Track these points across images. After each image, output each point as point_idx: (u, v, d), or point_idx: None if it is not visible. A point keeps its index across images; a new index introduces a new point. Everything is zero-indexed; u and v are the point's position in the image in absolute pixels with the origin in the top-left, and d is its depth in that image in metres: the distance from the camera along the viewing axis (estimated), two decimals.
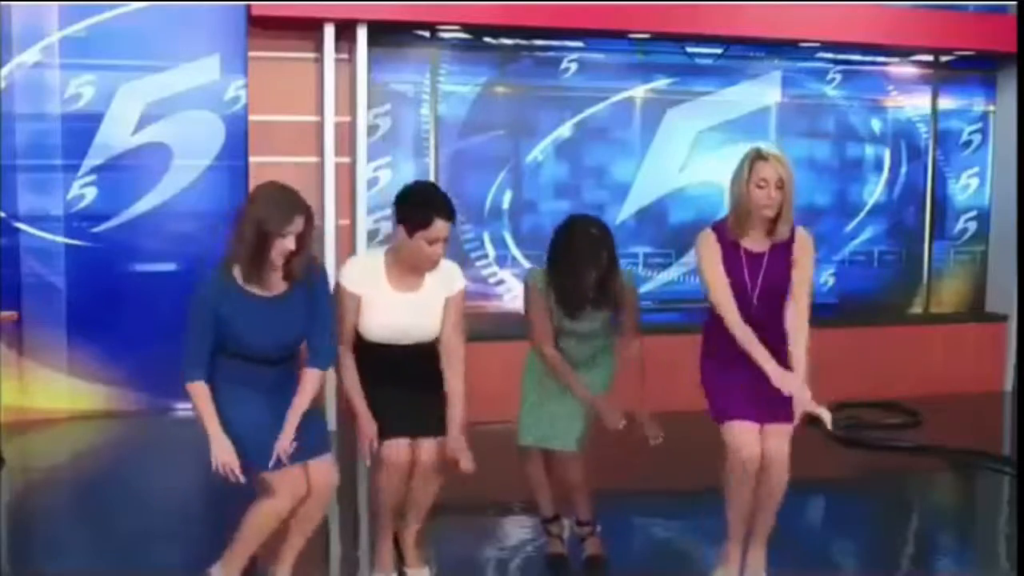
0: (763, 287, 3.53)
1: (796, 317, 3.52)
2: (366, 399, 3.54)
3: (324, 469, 3.39)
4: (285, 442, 3.27)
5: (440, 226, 3.39)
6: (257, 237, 3.17)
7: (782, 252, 3.55)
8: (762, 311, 3.53)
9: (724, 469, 3.58)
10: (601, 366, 3.90)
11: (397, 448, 3.52)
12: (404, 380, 3.57)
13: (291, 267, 3.26)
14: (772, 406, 3.50)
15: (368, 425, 3.50)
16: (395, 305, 3.51)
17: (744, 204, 3.49)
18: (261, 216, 3.18)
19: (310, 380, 3.36)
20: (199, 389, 3.26)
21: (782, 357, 3.49)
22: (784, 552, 3.80)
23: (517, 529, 4.56)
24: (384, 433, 3.52)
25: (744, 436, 3.51)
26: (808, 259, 3.57)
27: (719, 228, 3.59)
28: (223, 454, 3.24)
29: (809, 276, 3.58)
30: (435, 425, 3.59)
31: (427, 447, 3.58)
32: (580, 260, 3.63)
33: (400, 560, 3.77)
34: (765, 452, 3.52)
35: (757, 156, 3.49)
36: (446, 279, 3.60)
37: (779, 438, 3.54)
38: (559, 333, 3.79)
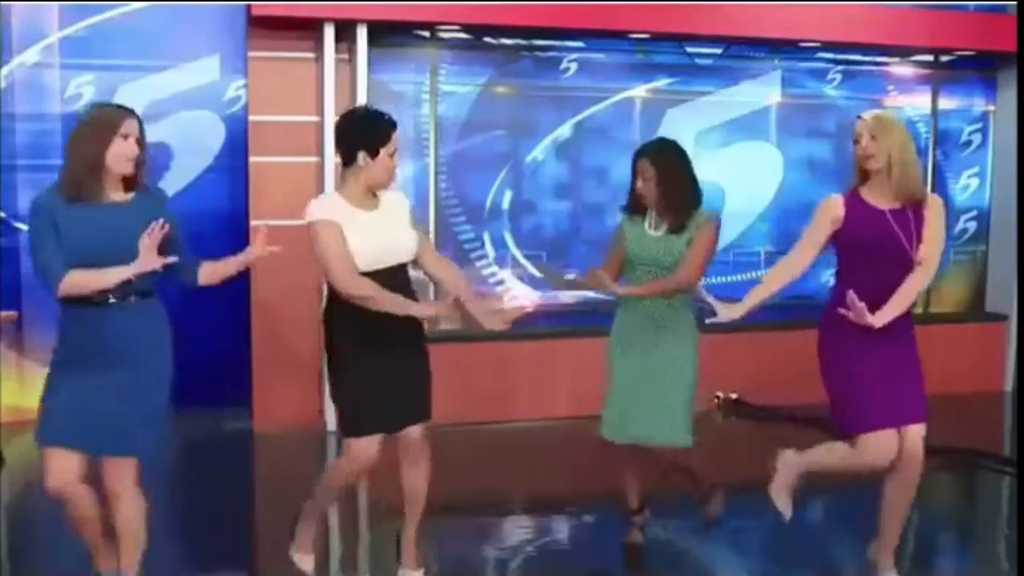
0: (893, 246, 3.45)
1: (911, 275, 3.43)
2: (351, 385, 3.51)
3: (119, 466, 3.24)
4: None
5: (395, 137, 3.56)
6: (97, 143, 3.12)
7: (912, 215, 3.48)
8: (890, 274, 3.43)
9: (845, 455, 3.54)
10: (676, 331, 3.84)
11: (368, 445, 3.52)
12: (391, 355, 3.52)
13: (138, 174, 3.21)
14: (907, 400, 3.49)
15: (424, 308, 3.53)
16: (370, 223, 3.51)
17: (855, 166, 3.53)
18: (97, 121, 3.15)
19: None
20: (71, 276, 3.08)
21: (900, 337, 3.48)
22: (784, 552, 3.80)
23: (517, 529, 4.56)
24: (360, 429, 3.51)
25: (885, 449, 3.46)
26: (934, 221, 3.49)
27: (850, 192, 3.56)
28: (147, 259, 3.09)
29: (934, 240, 3.48)
30: (420, 412, 3.60)
31: (413, 433, 3.59)
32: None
33: (396, 558, 3.76)
34: (903, 453, 3.49)
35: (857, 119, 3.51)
36: (394, 196, 3.72)
37: (917, 441, 3.52)
38: (637, 263, 3.86)
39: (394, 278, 3.50)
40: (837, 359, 3.54)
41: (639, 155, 3.87)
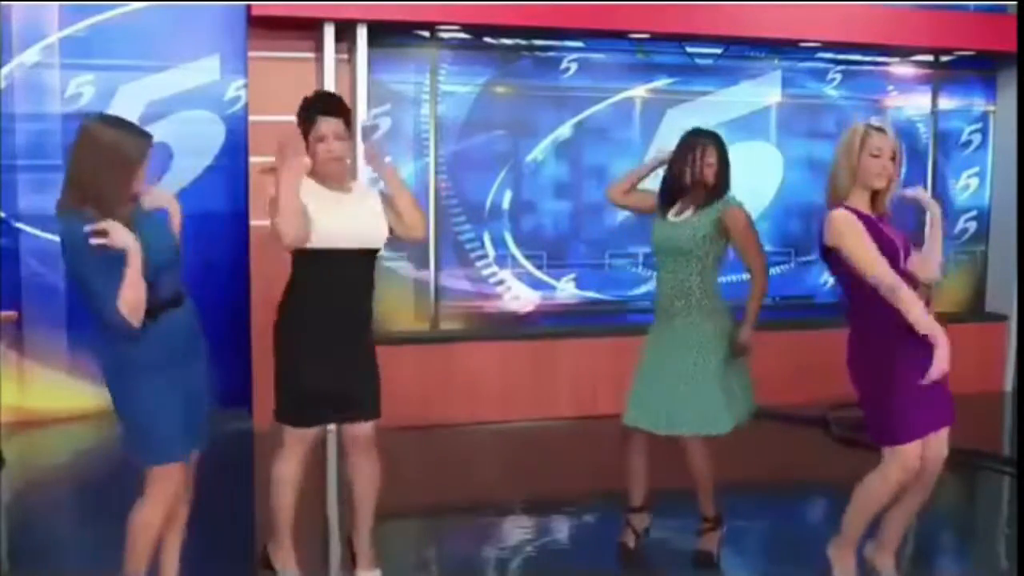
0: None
1: None
2: (298, 376, 3.46)
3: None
4: None
5: (323, 122, 3.44)
6: (130, 171, 3.01)
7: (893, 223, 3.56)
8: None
9: (880, 481, 3.52)
10: (711, 335, 3.84)
11: (304, 435, 3.51)
12: (338, 347, 3.48)
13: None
14: (939, 405, 3.48)
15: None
16: (335, 203, 3.47)
17: (850, 174, 3.53)
18: (130, 149, 3.01)
19: None
20: (124, 295, 2.98)
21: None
22: (785, 553, 3.80)
23: (517, 529, 4.56)
24: (299, 420, 3.49)
25: (913, 458, 3.46)
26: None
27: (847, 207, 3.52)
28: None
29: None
30: (368, 407, 3.56)
31: (362, 429, 3.56)
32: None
33: (351, 562, 3.72)
34: (928, 457, 3.49)
35: (871, 128, 3.59)
36: (365, 186, 3.72)
37: (942, 444, 3.53)
38: (659, 250, 3.97)
39: (361, 263, 3.50)
40: (879, 367, 3.49)
41: (707, 141, 3.94)
